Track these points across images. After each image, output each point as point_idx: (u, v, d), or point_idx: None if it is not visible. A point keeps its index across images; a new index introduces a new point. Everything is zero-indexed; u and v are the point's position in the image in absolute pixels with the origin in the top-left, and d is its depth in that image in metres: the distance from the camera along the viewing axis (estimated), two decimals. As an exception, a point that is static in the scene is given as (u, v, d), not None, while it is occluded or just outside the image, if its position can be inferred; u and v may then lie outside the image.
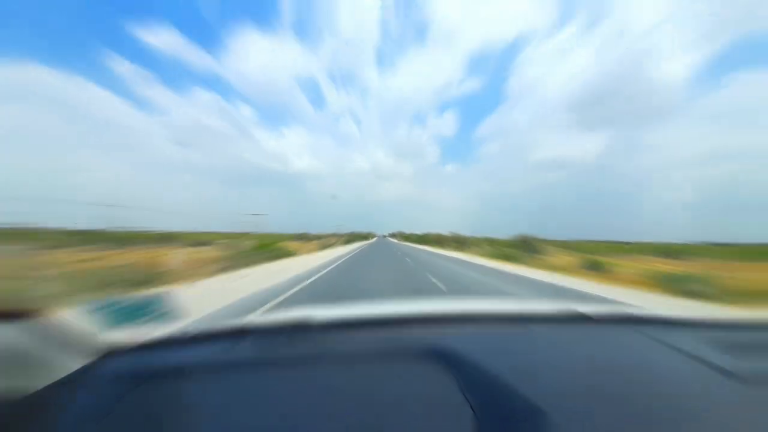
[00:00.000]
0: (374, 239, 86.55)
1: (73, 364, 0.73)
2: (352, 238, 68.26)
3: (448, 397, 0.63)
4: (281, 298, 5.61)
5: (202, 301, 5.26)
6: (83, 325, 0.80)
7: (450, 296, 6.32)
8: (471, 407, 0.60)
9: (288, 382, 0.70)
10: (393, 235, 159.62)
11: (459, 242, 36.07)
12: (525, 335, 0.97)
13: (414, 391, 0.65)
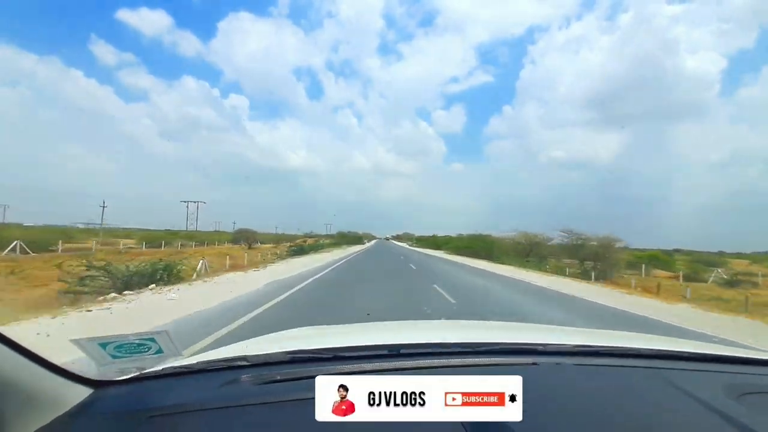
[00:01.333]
0: (370, 243, 69.18)
1: (72, 397, 0.72)
2: (338, 241, 56.38)
3: None
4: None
5: None
6: (82, 360, 0.81)
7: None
8: None
9: (286, 419, 0.68)
10: (397, 238, 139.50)
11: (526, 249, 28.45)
12: (534, 371, 0.91)
13: None
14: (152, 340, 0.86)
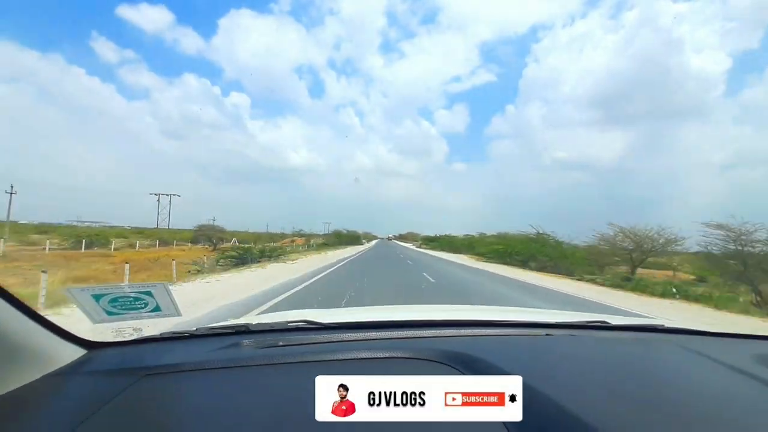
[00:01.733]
0: (369, 244, 62.27)
1: (64, 357, 0.70)
2: (332, 241, 47.01)
3: None
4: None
5: None
6: (79, 314, 0.76)
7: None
8: None
9: (287, 382, 0.68)
10: (401, 238, 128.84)
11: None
12: (546, 342, 0.93)
13: None
14: (149, 293, 0.81)
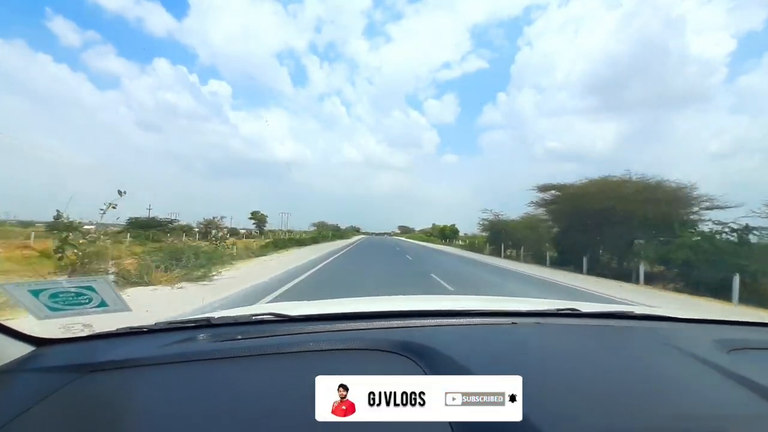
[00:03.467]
0: (356, 240, 51.98)
1: (10, 354, 0.67)
2: (307, 239, 32.62)
3: None
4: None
5: None
6: (21, 308, 0.71)
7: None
8: None
9: (246, 375, 0.66)
10: (400, 234, 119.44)
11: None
12: (510, 331, 0.94)
13: None
14: (90, 288, 0.75)
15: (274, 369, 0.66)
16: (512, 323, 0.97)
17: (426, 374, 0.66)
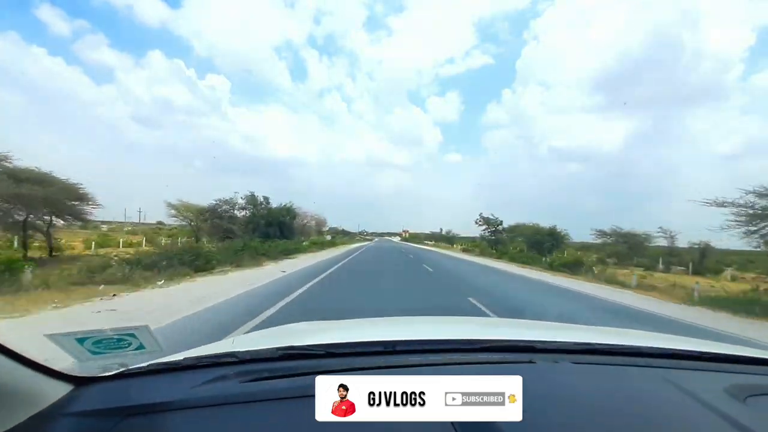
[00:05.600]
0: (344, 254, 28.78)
1: (51, 394, 0.69)
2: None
3: None
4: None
5: None
6: (61, 355, 0.78)
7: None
8: None
9: (275, 420, 0.66)
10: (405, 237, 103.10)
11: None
12: (528, 372, 0.90)
13: None
14: (132, 335, 0.83)
15: (303, 412, 0.64)
16: (529, 361, 0.92)
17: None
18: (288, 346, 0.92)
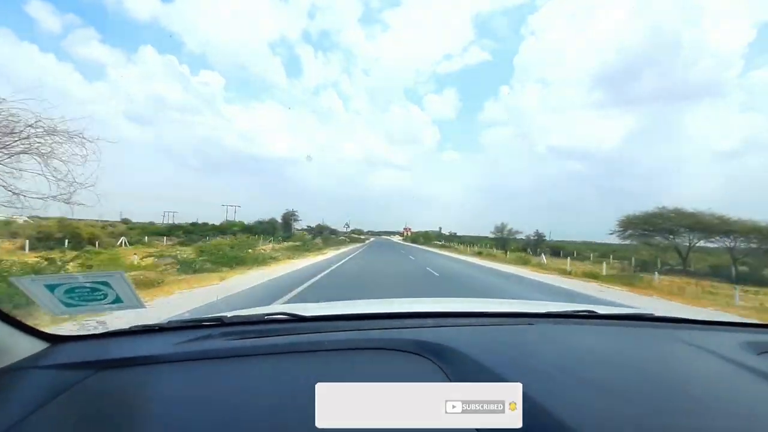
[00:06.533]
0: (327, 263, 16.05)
1: (24, 350, 0.68)
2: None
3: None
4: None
5: None
6: (37, 303, 0.71)
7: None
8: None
9: (258, 374, 0.67)
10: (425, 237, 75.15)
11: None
12: (530, 332, 0.93)
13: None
14: (106, 283, 0.74)
15: (287, 368, 0.66)
16: (528, 324, 0.96)
17: (445, 374, 0.67)
18: (274, 312, 0.94)
